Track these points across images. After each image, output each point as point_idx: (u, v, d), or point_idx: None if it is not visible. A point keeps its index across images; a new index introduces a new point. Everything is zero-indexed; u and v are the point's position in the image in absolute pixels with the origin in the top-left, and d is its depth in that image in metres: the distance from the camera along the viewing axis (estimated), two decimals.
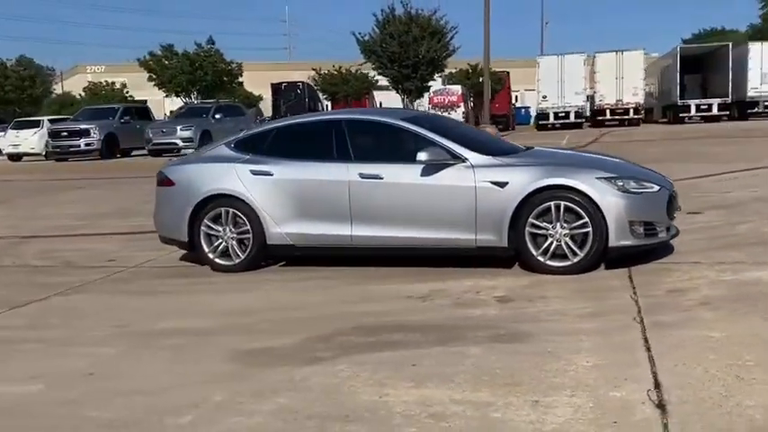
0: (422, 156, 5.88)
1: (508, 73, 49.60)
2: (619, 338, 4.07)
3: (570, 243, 5.60)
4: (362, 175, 6.08)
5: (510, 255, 5.86)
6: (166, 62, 36.07)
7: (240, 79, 40.04)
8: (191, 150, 25.28)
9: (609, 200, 5.50)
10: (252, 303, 5.50)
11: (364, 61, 31.84)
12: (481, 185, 5.77)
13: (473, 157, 5.92)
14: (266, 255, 6.55)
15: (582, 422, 3.02)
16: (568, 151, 7.05)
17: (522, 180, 5.69)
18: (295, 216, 6.30)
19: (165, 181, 6.82)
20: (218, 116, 26.05)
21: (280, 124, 6.93)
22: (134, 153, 27.89)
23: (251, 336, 4.58)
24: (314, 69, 52.37)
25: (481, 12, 26.07)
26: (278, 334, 4.58)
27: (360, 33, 30.71)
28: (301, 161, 6.40)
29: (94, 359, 4.29)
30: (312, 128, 6.81)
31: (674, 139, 23.50)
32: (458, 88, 40.35)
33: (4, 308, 5.68)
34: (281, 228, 6.32)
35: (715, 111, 37.63)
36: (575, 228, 5.58)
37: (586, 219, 5.52)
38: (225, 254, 6.54)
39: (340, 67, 51.27)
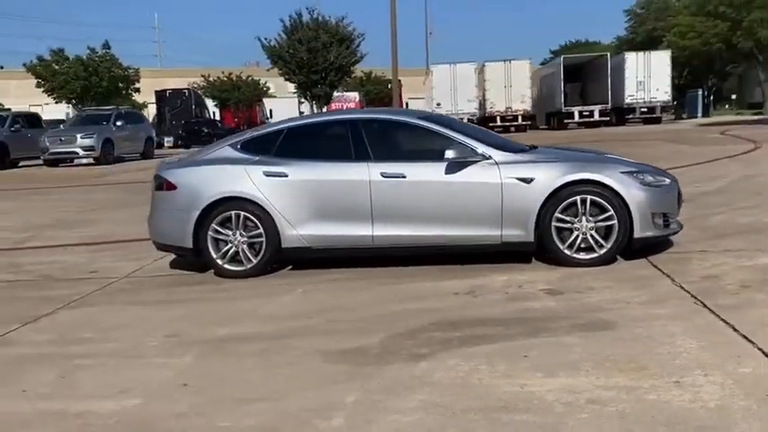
0: (449, 153, 5.92)
1: (400, 81, 50.50)
2: (699, 321, 4.29)
3: (596, 236, 5.82)
4: (384, 175, 6.04)
5: (533, 249, 6.01)
6: (57, 67, 33.89)
7: (137, 85, 38.27)
8: (90, 160, 24.02)
9: (633, 193, 5.77)
10: (296, 307, 5.33)
11: (270, 67, 31.39)
12: (507, 182, 5.88)
13: (496, 154, 6.03)
14: (278, 259, 6.35)
15: (738, 396, 3.18)
16: (570, 150, 7.29)
17: (548, 176, 5.86)
18: (312, 217, 6.16)
19: (165, 185, 6.46)
20: (119, 123, 24.83)
21: (290, 124, 6.73)
22: (21, 164, 26.02)
23: (329, 337, 4.45)
24: (203, 76, 51.03)
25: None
26: (356, 333, 4.48)
27: (265, 38, 30.27)
28: (317, 161, 6.27)
29: (176, 370, 4.04)
30: (326, 128, 6.69)
31: (576, 143, 24.73)
32: (355, 95, 40.74)
33: (15, 323, 5.21)
34: (297, 230, 6.16)
35: (596, 117, 40.05)
36: (600, 221, 5.80)
37: (612, 212, 5.76)
38: (234, 259, 6.29)
39: (230, 74, 50.26)
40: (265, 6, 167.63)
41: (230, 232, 6.26)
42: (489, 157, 6.00)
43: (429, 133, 6.26)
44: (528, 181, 5.87)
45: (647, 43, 53.17)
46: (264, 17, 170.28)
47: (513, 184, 5.89)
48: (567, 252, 5.87)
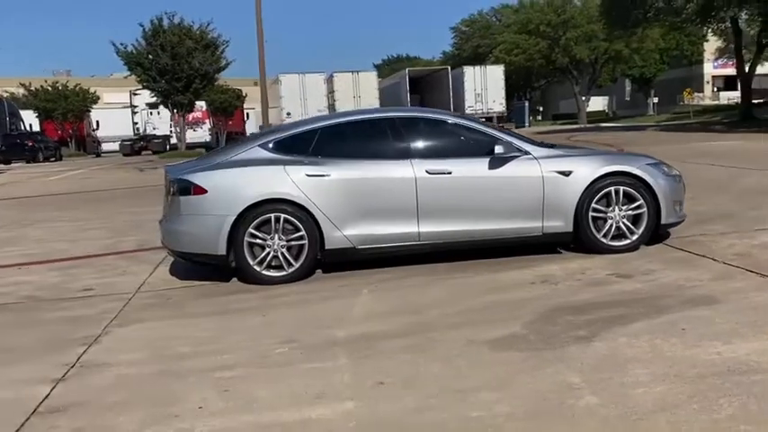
0: (498, 149, 6.10)
1: (241, 91, 49.77)
2: None
3: (627, 223, 6.26)
4: (430, 171, 6.09)
5: (571, 239, 6.33)
6: None
7: None
8: None
9: (660, 183, 6.28)
10: (383, 306, 5.23)
11: (128, 74, 29.50)
12: (548, 175, 6.17)
13: (533, 149, 6.30)
14: (319, 261, 6.17)
15: None
16: (579, 147, 7.70)
17: (585, 169, 6.22)
18: (357, 217, 6.06)
19: (192, 189, 6.03)
20: None
21: (323, 124, 6.53)
22: None
23: (464, 329, 4.43)
24: (22, 84, 46.96)
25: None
26: (485, 324, 4.52)
27: (121, 44, 28.32)
28: (357, 160, 6.18)
29: (346, 371, 3.86)
30: (363, 126, 6.57)
31: None
32: (202, 104, 39.45)
33: (75, 346, 4.64)
34: (342, 230, 6.04)
35: None
36: (630, 209, 6.25)
37: (641, 201, 6.23)
38: (272, 265, 6.02)
39: (55, 82, 46.66)
40: (72, 13, 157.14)
41: (267, 236, 5.99)
42: (528, 153, 6.26)
43: (467, 130, 6.42)
44: (567, 174, 6.19)
45: (472, 59, 56.59)
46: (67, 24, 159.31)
47: (553, 177, 6.18)
48: (603, 240, 6.25)
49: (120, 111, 51.56)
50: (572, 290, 5.26)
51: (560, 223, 6.21)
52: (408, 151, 6.22)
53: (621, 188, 6.24)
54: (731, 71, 57.57)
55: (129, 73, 28.92)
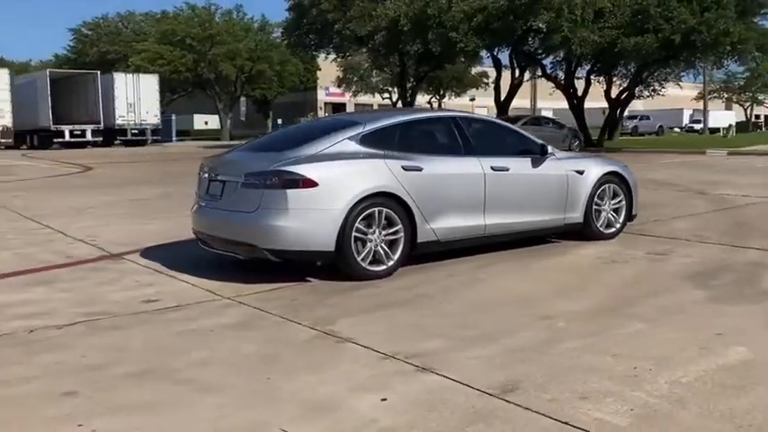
0: (549, 149, 6.86)
1: None
2: None
3: (614, 214, 7.57)
4: (494, 168, 6.57)
5: (579, 229, 7.37)
6: None
7: None
8: None
9: (632, 180, 7.74)
10: (541, 288, 5.62)
11: None
12: (569, 174, 7.16)
13: (554, 150, 7.20)
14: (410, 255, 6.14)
15: None
16: None
17: (592, 168, 7.37)
18: (440, 210, 6.23)
19: (302, 182, 5.50)
20: None
21: (400, 119, 6.39)
22: None
23: (658, 297, 5.18)
24: None
25: None
26: (661, 293, 5.33)
27: None
28: (438, 155, 6.39)
29: (674, 333, 4.35)
30: (433, 124, 6.74)
31: (146, 162, 24.21)
32: None
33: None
34: (431, 224, 6.15)
35: (89, 137, 38.68)
36: (615, 203, 7.57)
37: (622, 196, 7.61)
38: (371, 260, 5.84)
39: None
40: None
41: (368, 231, 5.80)
42: (553, 154, 7.14)
43: (506, 130, 7.06)
44: (581, 173, 7.25)
45: (98, 65, 52.98)
46: None
47: (572, 175, 7.17)
48: (600, 228, 7.45)
49: None
50: (648, 265, 6.36)
51: (576, 215, 7.22)
52: (472, 149, 6.58)
53: (612, 186, 7.52)
54: (340, 99, 65.21)
55: None
